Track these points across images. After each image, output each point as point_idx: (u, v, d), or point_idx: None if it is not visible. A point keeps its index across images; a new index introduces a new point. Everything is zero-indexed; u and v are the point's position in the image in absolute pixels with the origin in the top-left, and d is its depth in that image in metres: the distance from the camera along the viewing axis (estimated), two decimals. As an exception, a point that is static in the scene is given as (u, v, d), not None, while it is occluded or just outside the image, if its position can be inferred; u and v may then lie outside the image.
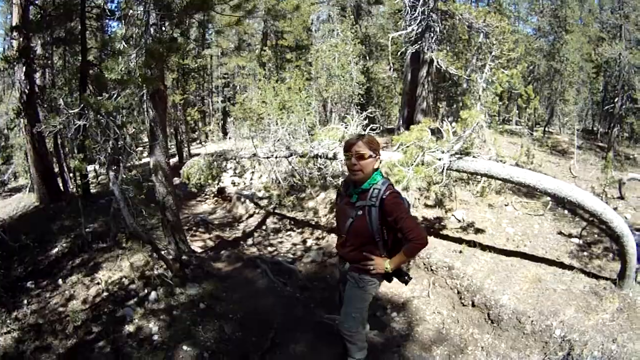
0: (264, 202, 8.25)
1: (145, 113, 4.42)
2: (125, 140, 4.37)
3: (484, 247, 5.03)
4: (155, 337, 3.46)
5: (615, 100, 11.47)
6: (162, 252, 4.71)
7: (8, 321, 3.73)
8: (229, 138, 11.73)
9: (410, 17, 7.45)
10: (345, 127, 5.57)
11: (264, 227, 7.34)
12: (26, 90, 5.85)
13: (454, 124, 4.41)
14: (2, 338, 3.53)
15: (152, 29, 3.95)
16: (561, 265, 4.64)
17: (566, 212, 6.23)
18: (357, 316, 2.67)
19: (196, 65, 17.00)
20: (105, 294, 4.27)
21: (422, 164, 4.15)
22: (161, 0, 3.56)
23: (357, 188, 2.47)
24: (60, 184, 7.61)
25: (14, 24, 5.28)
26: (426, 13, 7.09)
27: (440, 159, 4.22)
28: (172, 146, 16.74)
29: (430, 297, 4.58)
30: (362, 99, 11.84)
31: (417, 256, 5.08)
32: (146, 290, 4.25)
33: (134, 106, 4.71)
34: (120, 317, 3.78)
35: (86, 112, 4.23)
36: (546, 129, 13.98)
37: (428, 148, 4.30)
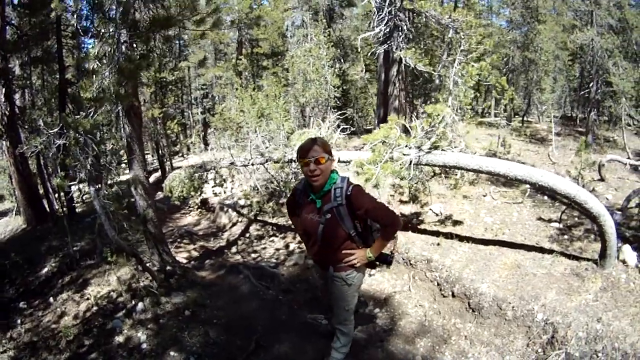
0: (245, 210, 8.35)
1: (122, 129, 4.52)
2: (105, 157, 4.48)
3: (462, 238, 5.13)
4: (144, 346, 3.56)
5: (591, 85, 11.68)
6: (147, 264, 4.83)
7: (4, 341, 3.89)
8: (210, 149, 11.88)
9: (378, 17, 7.60)
10: (318, 130, 5.68)
11: (247, 235, 7.43)
12: (7, 112, 5.89)
13: (421, 119, 4.53)
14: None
15: (123, 47, 4.06)
16: (541, 249, 4.71)
17: (546, 198, 6.35)
18: (350, 308, 2.75)
19: (173, 78, 17.02)
20: (95, 308, 4.40)
21: (391, 161, 4.24)
22: (128, 19, 3.65)
23: (318, 193, 2.46)
24: (46, 205, 7.64)
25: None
26: (393, 13, 7.23)
27: (407, 155, 4.34)
28: (155, 160, 16.74)
29: (412, 291, 4.66)
30: (338, 102, 11.92)
31: (396, 252, 5.18)
32: (133, 302, 4.34)
33: (112, 123, 4.82)
34: (110, 329, 3.89)
35: (65, 131, 4.33)
36: (525, 118, 14.28)
37: (397, 145, 4.39)
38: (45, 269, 5.49)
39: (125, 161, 5.34)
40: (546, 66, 12.08)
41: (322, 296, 3.05)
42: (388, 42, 7.76)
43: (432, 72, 6.30)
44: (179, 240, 7.47)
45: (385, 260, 2.68)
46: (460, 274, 4.43)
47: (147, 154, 21.16)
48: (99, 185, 4.31)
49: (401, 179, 5.69)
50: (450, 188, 6.20)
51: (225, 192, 8.04)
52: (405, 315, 4.22)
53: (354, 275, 2.60)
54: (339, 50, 13.55)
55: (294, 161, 5.60)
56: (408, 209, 6.32)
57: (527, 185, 5.44)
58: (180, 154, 19.34)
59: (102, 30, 4.30)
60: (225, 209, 8.82)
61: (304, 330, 3.74)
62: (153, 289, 4.48)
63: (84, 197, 8.01)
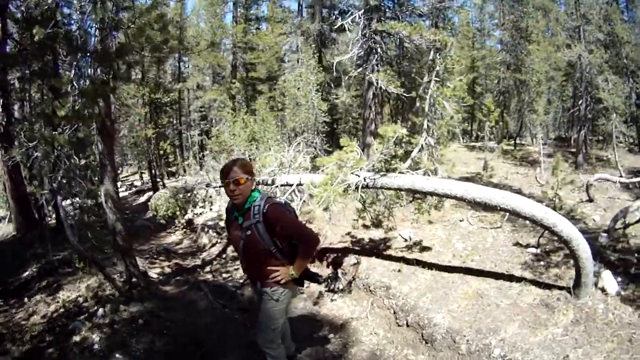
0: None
1: (95, 146, 4.84)
2: (77, 171, 4.79)
3: (427, 265, 4.94)
4: (96, 346, 3.84)
5: (580, 102, 11.46)
6: (112, 275, 5.10)
7: None
8: (205, 171, 12.16)
9: (354, 40, 7.76)
10: (284, 154, 5.79)
11: (224, 255, 7.52)
12: (3, 122, 6.24)
13: (376, 141, 4.63)
14: None
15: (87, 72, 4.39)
16: (510, 277, 4.33)
17: (527, 222, 5.71)
18: (276, 328, 2.79)
19: (168, 99, 17.42)
20: (62, 310, 4.68)
21: (340, 184, 4.23)
22: (90, 47, 3.99)
23: (240, 210, 2.61)
24: (37, 214, 7.98)
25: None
26: (368, 35, 7.39)
27: (358, 177, 4.39)
28: (149, 180, 17.07)
29: (369, 318, 4.55)
30: (326, 127, 11.94)
31: (356, 277, 5.23)
32: (96, 308, 4.58)
33: (90, 140, 5.14)
34: (71, 329, 4.15)
35: (42, 144, 4.67)
36: (517, 140, 14.05)
37: (350, 167, 4.41)
38: (26, 273, 5.79)
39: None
40: (538, 87, 12.02)
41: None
42: (364, 65, 7.92)
43: (404, 94, 6.39)
44: (155, 256, 7.66)
45: (312, 279, 2.80)
46: (417, 302, 4.28)
47: (143, 173, 21.50)
48: (69, 195, 4.59)
49: (363, 204, 5.73)
50: (414, 213, 6.04)
51: (207, 213, 8.18)
52: (359, 343, 4.10)
53: (281, 292, 2.68)
54: (330, 75, 13.61)
55: (261, 183, 5.70)
56: (377, 234, 6.24)
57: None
58: (176, 175, 19.62)
59: (69, 58, 4.64)
60: (207, 229, 8.95)
61: (252, 349, 3.71)
62: (114, 298, 4.75)
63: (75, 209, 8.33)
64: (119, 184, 13.27)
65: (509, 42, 12.94)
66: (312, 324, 4.54)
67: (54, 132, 4.60)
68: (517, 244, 5.35)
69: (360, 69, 7.94)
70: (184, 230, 10.23)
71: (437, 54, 6.03)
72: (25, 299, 5.03)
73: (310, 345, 3.92)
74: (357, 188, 4.37)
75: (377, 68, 7.58)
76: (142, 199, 15.54)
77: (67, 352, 3.75)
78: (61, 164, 4.55)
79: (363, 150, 9.49)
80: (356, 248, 6.00)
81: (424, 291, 4.44)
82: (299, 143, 6.25)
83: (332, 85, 14.47)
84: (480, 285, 4.29)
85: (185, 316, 4.57)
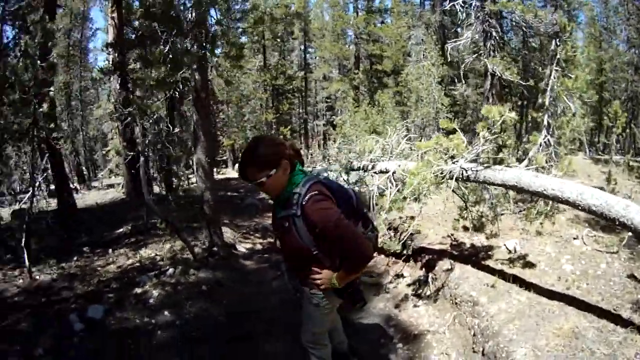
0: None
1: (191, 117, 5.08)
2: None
3: (525, 285, 4.11)
4: (151, 301, 3.93)
5: None
6: (191, 241, 5.26)
7: (54, 267, 4.71)
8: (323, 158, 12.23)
9: (467, 24, 7.00)
10: (387, 138, 5.43)
11: None
12: (120, 99, 7.02)
13: (480, 124, 3.91)
14: (43, 276, 4.49)
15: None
16: (615, 319, 3.44)
17: None
18: (318, 333, 2.41)
19: (290, 87, 18.41)
20: (137, 264, 4.97)
21: (437, 172, 3.65)
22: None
23: (278, 199, 2.09)
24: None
25: (109, 42, 6.68)
26: (481, 18, 6.54)
27: (454, 167, 3.73)
28: None
29: (446, 334, 3.90)
30: (449, 122, 11.27)
31: (445, 285, 4.53)
32: (168, 268, 4.75)
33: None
34: (137, 281, 4.35)
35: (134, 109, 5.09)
36: None
37: (449, 155, 3.79)
38: (120, 230, 6.40)
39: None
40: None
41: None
42: (479, 51, 7.05)
43: (521, 82, 5.45)
44: (251, 233, 7.74)
45: (353, 298, 2.20)
46: (501, 328, 3.53)
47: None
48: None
49: (465, 201, 5.05)
50: (520, 219, 5.12)
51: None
52: (426, 361, 3.56)
53: (321, 297, 2.18)
54: (452, 70, 12.98)
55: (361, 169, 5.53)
56: (480, 240, 5.40)
57: (630, 232, 4.20)
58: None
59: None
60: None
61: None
62: (189, 262, 4.86)
63: (189, 182, 9.07)
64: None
65: (636, 41, 10.49)
66: (384, 329, 4.08)
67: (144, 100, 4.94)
68: (632, 276, 4.22)
69: (475, 55, 7.09)
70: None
71: (556, 38, 5.10)
72: (110, 251, 5.50)
73: (374, 349, 3.57)
74: (453, 178, 3.67)
75: (493, 54, 6.67)
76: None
77: (123, 299, 3.89)
78: (151, 129, 4.83)
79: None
80: (454, 252, 5.30)
81: (514, 316, 3.64)
82: (402, 128, 5.79)
83: (456, 79, 13.60)
84: (579, 322, 3.41)
85: (252, 291, 4.48)
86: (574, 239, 5.31)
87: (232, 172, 16.30)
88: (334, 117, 22.43)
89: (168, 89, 4.43)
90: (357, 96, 19.24)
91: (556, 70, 4.87)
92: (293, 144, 2.21)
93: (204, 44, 4.47)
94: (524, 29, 5.94)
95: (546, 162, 4.41)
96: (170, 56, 4.17)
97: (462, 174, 3.81)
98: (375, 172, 5.30)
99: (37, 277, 4.45)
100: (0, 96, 3.35)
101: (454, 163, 3.87)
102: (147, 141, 4.72)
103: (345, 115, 13.19)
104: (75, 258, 5.11)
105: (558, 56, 4.81)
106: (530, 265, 4.65)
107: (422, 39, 13.39)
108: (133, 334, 3.30)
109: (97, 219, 7.24)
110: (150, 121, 4.69)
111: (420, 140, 5.87)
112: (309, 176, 2.05)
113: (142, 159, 4.67)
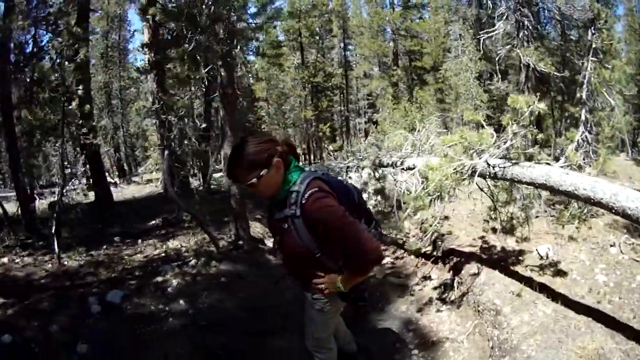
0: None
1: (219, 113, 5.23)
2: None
3: (553, 295, 3.80)
4: (169, 289, 4.05)
5: None
6: (214, 233, 5.42)
7: (83, 255, 5.04)
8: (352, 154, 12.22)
9: (498, 13, 6.61)
10: (414, 133, 5.29)
11: None
12: (157, 97, 7.42)
13: (507, 116, 3.66)
14: (71, 262, 4.82)
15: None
16: None
17: None
18: (321, 338, 2.33)
19: (330, 84, 18.40)
20: (163, 254, 5.19)
21: (460, 168, 3.45)
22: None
23: (274, 199, 1.95)
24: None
25: (144, 42, 7.01)
26: (514, 8, 6.15)
27: (478, 162, 3.50)
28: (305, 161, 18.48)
29: (464, 344, 3.68)
30: (486, 119, 10.85)
31: (470, 290, 4.28)
32: (191, 259, 4.91)
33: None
34: (160, 270, 4.53)
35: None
36: None
37: (475, 150, 3.56)
38: (153, 222, 6.70)
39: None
40: None
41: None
42: (513, 42, 6.65)
43: (556, 73, 5.08)
44: None
45: (357, 303, 2.08)
46: (520, 343, 3.26)
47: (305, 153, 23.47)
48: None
49: (494, 201, 4.77)
50: (552, 222, 4.76)
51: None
52: (440, 372, 3.37)
53: (324, 302, 2.08)
54: (491, 66, 12.37)
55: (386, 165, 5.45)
56: (511, 244, 5.06)
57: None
58: (336, 157, 21.16)
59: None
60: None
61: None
62: (212, 254, 4.99)
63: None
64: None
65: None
66: (402, 333, 3.95)
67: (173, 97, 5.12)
68: (669, 291, 3.78)
69: (509, 46, 6.70)
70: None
71: (591, 26, 4.70)
72: (139, 241, 5.79)
73: (386, 355, 3.42)
74: (475, 174, 3.44)
75: (526, 45, 6.28)
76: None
77: (143, 287, 4.06)
78: (177, 125, 5.01)
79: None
80: (483, 256, 5.03)
81: (536, 330, 3.35)
82: (432, 123, 5.62)
83: (494, 75, 13.01)
84: (606, 342, 3.07)
85: (270, 287, 4.49)
86: (611, 246, 4.88)
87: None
88: (375, 114, 22.02)
89: (193, 86, 4.59)
90: (396, 93, 18.96)
91: (592, 61, 4.57)
92: (287, 139, 2.13)
93: (227, 41, 4.56)
94: (558, 17, 5.52)
95: (583, 159, 4.10)
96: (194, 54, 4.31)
97: (489, 170, 3.59)
98: (402, 169, 5.11)
99: (66, 262, 4.79)
100: (31, 96, 3.63)
101: (479, 158, 3.66)
102: (172, 136, 4.90)
103: (385, 113, 13.00)
104: (104, 247, 5.44)
105: (594, 45, 4.46)
106: (561, 273, 4.32)
107: (460, 34, 12.94)
108: (146, 320, 3.42)
109: (133, 211, 7.72)
110: (177, 117, 4.87)
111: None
112: (306, 172, 1.92)
113: (166, 152, 4.86)
